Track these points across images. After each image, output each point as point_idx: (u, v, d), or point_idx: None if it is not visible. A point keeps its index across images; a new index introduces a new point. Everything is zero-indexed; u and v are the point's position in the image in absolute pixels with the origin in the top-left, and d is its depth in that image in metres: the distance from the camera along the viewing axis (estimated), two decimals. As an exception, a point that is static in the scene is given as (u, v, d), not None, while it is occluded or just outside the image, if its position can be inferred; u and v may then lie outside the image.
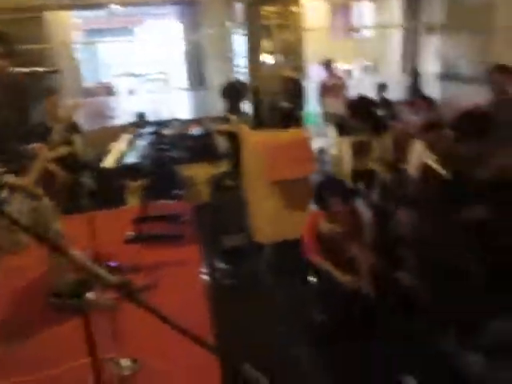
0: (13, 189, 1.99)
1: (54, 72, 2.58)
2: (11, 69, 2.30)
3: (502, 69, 3.53)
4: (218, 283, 3.87)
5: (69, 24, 8.82)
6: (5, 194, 1.97)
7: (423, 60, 8.55)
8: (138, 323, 2.10)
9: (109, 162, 3.01)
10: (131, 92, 10.70)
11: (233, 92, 5.71)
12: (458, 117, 2.98)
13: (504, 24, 6.46)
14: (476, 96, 4.11)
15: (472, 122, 2.70)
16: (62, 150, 2.90)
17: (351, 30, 10.95)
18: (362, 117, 3.48)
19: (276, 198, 4.28)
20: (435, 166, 2.72)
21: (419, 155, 3.51)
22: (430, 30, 8.18)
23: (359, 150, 3.84)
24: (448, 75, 7.73)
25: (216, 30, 7.82)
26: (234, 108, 5.90)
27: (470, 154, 2.63)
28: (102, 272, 0.98)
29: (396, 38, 9.25)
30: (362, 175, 4.03)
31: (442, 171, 2.66)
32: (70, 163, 3.47)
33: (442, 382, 2.34)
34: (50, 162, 2.72)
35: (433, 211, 2.84)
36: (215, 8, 7.88)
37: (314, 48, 8.33)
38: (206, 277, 3.95)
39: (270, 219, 4.30)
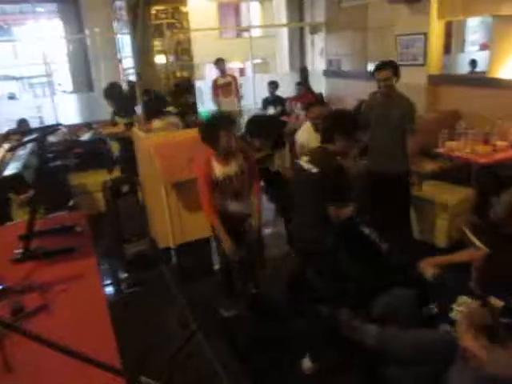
0: None
1: None
2: None
3: (384, 65, 3.84)
4: (123, 293, 3.73)
5: None
6: None
7: (310, 58, 9.00)
8: (32, 352, 1.93)
9: (-17, 175, 2.72)
10: (11, 97, 9.86)
11: (116, 93, 5.52)
12: (325, 118, 3.18)
13: (376, 24, 7.04)
14: (357, 90, 4.44)
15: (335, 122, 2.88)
16: None
17: (240, 29, 11.16)
18: (263, 137, 3.55)
19: (174, 200, 4.22)
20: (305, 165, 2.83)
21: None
22: (314, 29, 8.63)
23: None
24: (332, 72, 8.24)
25: (101, 30, 7.49)
26: (121, 110, 5.70)
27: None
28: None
29: (284, 37, 9.61)
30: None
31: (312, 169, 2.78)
32: None
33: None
34: None
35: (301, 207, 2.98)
36: (98, 6, 7.53)
37: (206, 48, 8.35)
38: (108, 288, 3.77)
39: (170, 222, 4.23)
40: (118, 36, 7.89)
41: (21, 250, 3.54)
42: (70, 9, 8.23)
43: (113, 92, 5.66)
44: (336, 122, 2.87)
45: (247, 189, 3.20)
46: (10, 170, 2.95)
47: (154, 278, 3.81)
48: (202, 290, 3.56)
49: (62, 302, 2.94)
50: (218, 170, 3.07)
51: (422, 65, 5.88)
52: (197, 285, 3.68)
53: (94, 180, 5.33)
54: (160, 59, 5.78)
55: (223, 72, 7.46)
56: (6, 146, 3.61)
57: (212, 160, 3.08)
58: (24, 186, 3.08)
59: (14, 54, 12.29)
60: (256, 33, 11.25)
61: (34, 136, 3.47)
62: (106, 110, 6.21)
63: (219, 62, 7.40)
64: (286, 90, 8.18)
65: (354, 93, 6.91)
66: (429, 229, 4.37)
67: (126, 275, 3.97)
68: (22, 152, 3.25)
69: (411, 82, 5.46)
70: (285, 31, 9.49)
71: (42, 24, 12.34)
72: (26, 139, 3.60)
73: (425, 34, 5.76)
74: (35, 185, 3.00)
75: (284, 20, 9.32)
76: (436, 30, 5.77)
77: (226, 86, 7.36)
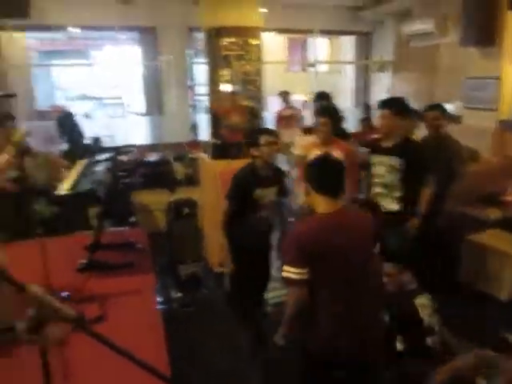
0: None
1: (11, 96, 2.51)
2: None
3: (433, 107, 3.79)
4: (174, 312, 3.82)
5: (23, 45, 8.65)
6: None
7: (374, 95, 9.00)
8: (89, 356, 2.04)
9: (64, 188, 2.94)
10: (87, 116, 10.54)
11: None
12: None
13: (445, 66, 6.97)
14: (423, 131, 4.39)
15: None
16: (13, 174, 2.80)
17: (307, 64, 11.38)
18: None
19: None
20: None
21: None
22: (381, 67, 8.66)
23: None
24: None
25: (175, 57, 7.91)
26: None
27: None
28: (61, 306, 0.96)
29: (349, 73, 9.70)
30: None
31: None
32: (21, 188, 3.35)
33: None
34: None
35: None
36: (174, 35, 8.00)
37: (271, 80, 8.58)
38: (160, 306, 3.88)
39: (225, 248, 4.30)
40: (190, 63, 8.30)
41: (85, 261, 3.77)
42: (148, 37, 8.75)
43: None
44: None
45: None
46: (87, 185, 3.18)
47: (206, 300, 3.87)
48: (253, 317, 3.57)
49: (118, 314, 3.08)
50: None
51: (493, 109, 5.72)
52: (247, 316, 3.70)
53: (156, 199, 5.56)
54: (226, 88, 6.02)
55: (287, 104, 7.61)
56: (83, 162, 3.90)
57: None
58: (96, 200, 3.31)
59: (90, 76, 13.19)
60: (322, 68, 11.43)
61: (109, 155, 3.73)
62: (174, 133, 6.50)
63: (284, 94, 7.56)
64: (349, 126, 8.19)
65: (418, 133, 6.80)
66: (491, 280, 4.16)
67: (178, 295, 4.06)
68: (98, 169, 3.51)
69: (478, 125, 5.32)
70: (351, 67, 9.58)
71: (119, 49, 13.21)
72: (101, 157, 3.87)
73: (497, 79, 5.63)
74: (105, 200, 3.21)
75: (351, 56, 9.42)
76: (509, 74, 5.63)
77: (288, 118, 7.49)
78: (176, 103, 7.76)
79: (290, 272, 2.09)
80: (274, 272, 3.70)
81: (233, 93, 5.78)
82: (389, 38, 8.40)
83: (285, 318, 2.21)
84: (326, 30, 8.66)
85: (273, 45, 11.92)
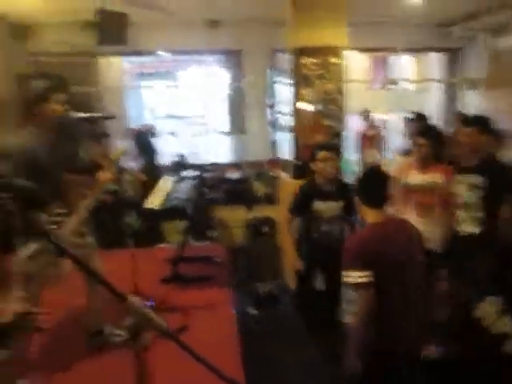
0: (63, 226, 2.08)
1: (110, 118, 2.74)
2: (70, 113, 2.48)
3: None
4: (249, 328, 3.85)
5: (119, 68, 9.34)
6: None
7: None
8: (168, 362, 2.12)
9: (153, 202, 3.12)
10: (172, 134, 11.07)
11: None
12: None
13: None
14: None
15: None
16: (111, 187, 3.01)
17: (391, 82, 11.12)
18: None
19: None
20: None
21: None
22: (472, 85, 8.23)
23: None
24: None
25: (258, 78, 8.11)
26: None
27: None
28: (156, 317, 1.02)
29: (436, 91, 9.32)
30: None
31: None
32: (115, 202, 3.63)
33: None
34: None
35: None
36: (257, 57, 8.22)
37: (353, 98, 8.49)
38: (237, 321, 3.93)
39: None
40: (271, 83, 8.47)
41: (169, 272, 3.95)
42: (233, 58, 9.08)
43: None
44: None
45: None
46: (173, 201, 3.36)
47: (282, 317, 3.87)
48: (328, 340, 3.50)
49: (197, 326, 3.17)
50: None
51: None
52: (321, 333, 3.63)
53: (234, 216, 5.70)
54: (305, 107, 6.04)
55: (370, 123, 7.48)
56: (171, 178, 4.12)
57: None
58: (182, 215, 3.48)
59: (176, 96, 13.84)
60: (408, 86, 11.11)
61: (194, 172, 3.91)
62: (255, 151, 6.63)
63: (367, 114, 7.46)
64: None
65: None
66: None
67: (254, 311, 4.09)
68: (185, 185, 3.68)
69: None
70: (437, 85, 9.21)
71: (203, 70, 13.82)
72: (187, 174, 4.07)
73: None
74: (191, 215, 3.36)
75: (437, 74, 9.07)
76: None
77: (371, 138, 7.37)
78: (257, 122, 7.93)
79: (354, 276, 2.20)
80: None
81: (315, 112, 5.80)
82: (480, 55, 7.97)
83: (354, 321, 2.28)
84: (410, 47, 8.43)
85: (355, 63, 11.81)
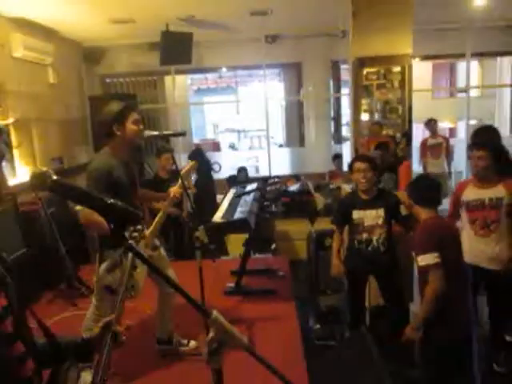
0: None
1: (182, 135, 2.86)
2: (144, 132, 2.60)
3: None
4: (312, 343, 3.81)
5: (183, 85, 9.73)
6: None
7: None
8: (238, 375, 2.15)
9: (218, 216, 3.21)
10: (233, 147, 11.32)
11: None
12: None
13: None
14: None
15: None
16: (176, 200, 3.12)
17: (458, 89, 10.71)
18: None
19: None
20: None
21: None
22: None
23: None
24: None
25: (317, 90, 8.12)
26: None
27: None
28: (237, 332, 1.05)
29: (506, 97, 8.87)
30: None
31: None
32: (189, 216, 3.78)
33: None
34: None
35: None
36: (317, 69, 8.24)
37: (416, 107, 8.26)
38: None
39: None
40: (333, 95, 8.43)
41: (232, 285, 4.02)
42: (291, 71, 9.17)
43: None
44: None
45: None
46: (237, 214, 3.43)
47: (344, 333, 3.79)
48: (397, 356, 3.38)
49: (261, 340, 3.19)
50: None
51: None
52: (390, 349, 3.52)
53: (296, 228, 5.70)
54: (364, 117, 5.97)
55: (434, 133, 7.23)
56: (233, 191, 4.21)
57: None
58: (245, 228, 3.53)
59: (236, 110, 14.16)
60: (473, 93, 10.66)
61: (257, 185, 3.97)
62: (315, 163, 6.62)
63: (431, 123, 7.20)
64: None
65: None
66: None
67: (317, 326, 4.05)
68: (247, 198, 3.75)
69: None
70: (507, 91, 8.76)
71: (263, 84, 14.06)
72: (249, 188, 4.14)
73: None
74: (253, 228, 3.40)
75: (507, 80, 8.63)
76: None
77: (435, 147, 7.10)
78: (317, 134, 7.92)
79: (430, 257, 2.42)
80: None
81: (376, 123, 5.71)
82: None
83: (427, 300, 2.49)
84: (478, 52, 8.09)
85: (417, 71, 11.48)
